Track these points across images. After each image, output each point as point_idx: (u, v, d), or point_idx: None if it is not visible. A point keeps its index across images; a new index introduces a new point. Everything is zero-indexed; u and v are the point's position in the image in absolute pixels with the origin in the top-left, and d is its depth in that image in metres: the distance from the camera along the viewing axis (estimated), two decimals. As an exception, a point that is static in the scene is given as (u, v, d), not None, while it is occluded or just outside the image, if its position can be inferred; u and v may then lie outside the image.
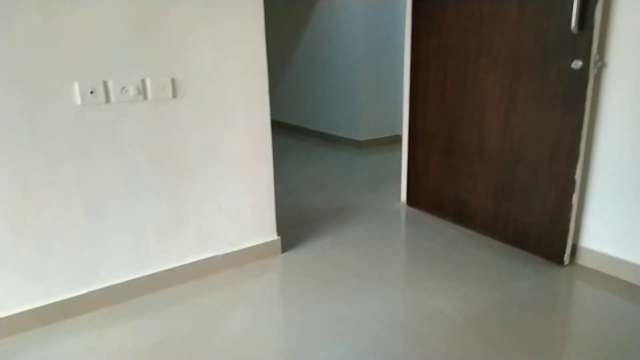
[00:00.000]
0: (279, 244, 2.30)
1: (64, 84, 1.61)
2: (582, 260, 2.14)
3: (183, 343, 1.63)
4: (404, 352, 1.56)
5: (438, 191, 2.73)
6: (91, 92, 1.66)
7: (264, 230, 2.25)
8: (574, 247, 2.15)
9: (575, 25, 1.87)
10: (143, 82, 1.77)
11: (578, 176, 2.01)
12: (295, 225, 2.69)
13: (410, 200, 2.94)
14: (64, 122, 1.64)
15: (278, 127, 5.90)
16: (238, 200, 2.12)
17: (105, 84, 1.70)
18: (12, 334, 1.66)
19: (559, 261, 2.14)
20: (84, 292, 1.79)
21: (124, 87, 1.74)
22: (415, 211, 2.89)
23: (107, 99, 1.71)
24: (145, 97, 1.79)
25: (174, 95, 1.85)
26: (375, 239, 2.48)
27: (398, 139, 4.85)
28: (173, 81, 1.83)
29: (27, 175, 1.60)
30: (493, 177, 2.38)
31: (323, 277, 2.08)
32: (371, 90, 4.69)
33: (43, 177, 1.63)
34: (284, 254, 2.32)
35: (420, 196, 2.86)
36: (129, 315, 1.79)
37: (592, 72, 1.90)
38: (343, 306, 1.84)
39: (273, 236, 2.29)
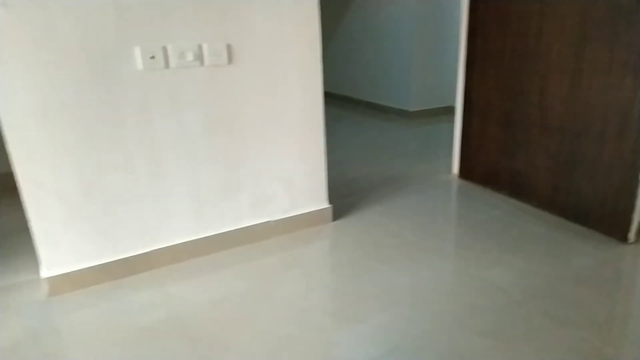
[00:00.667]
0: (330, 212, 2.32)
1: (127, 49, 1.66)
2: (648, 238, 2.04)
3: (240, 303, 1.69)
4: (458, 322, 1.55)
5: (493, 163, 2.65)
6: (152, 58, 1.70)
7: (315, 197, 2.27)
8: (641, 224, 2.04)
9: (658, -16, 1.72)
10: (200, 47, 1.79)
11: (650, 149, 1.89)
12: (345, 194, 2.69)
13: (463, 173, 2.87)
14: (127, 87, 1.69)
15: (325, 97, 5.86)
16: (290, 167, 2.14)
17: (164, 49, 1.73)
18: (84, 287, 1.77)
19: (623, 238, 2.04)
20: (147, 250, 1.88)
21: (182, 53, 1.76)
22: (467, 183, 2.82)
23: (167, 64, 1.74)
24: (202, 63, 1.81)
25: (229, 61, 1.86)
26: (427, 211, 2.45)
27: (449, 110, 4.72)
28: (228, 47, 1.84)
29: (94, 137, 1.67)
30: (554, 150, 2.28)
31: (374, 245, 2.09)
32: (423, 59, 4.55)
33: (108, 140, 1.70)
34: (335, 222, 2.34)
35: (474, 168, 2.79)
36: (189, 274, 1.88)
37: (674, 36, 1.75)
38: (395, 275, 1.85)
39: (324, 204, 2.30)
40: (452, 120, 3.41)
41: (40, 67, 1.53)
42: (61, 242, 1.71)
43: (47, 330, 1.55)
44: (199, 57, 1.80)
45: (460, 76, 2.77)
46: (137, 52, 1.67)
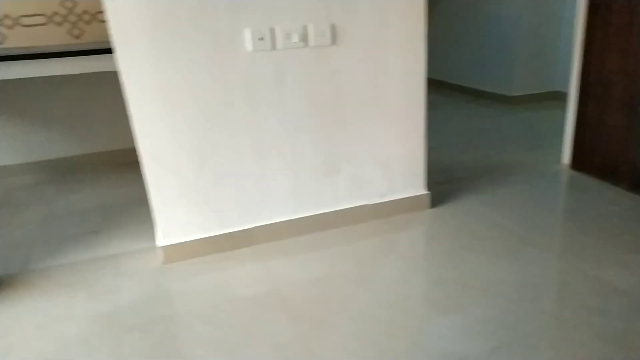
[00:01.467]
0: (427, 199, 2.25)
1: (238, 30, 1.71)
2: None
3: (339, 284, 1.70)
4: (574, 324, 1.43)
5: (613, 154, 2.40)
6: (260, 39, 1.74)
7: (413, 183, 2.21)
8: None
9: None
10: (305, 28, 1.80)
11: None
12: (442, 181, 2.60)
13: (576, 163, 2.64)
14: (237, 67, 1.75)
15: (419, 81, 5.68)
16: (389, 151, 2.10)
17: (272, 30, 1.76)
18: (193, 257, 1.90)
19: None
20: (250, 226, 1.96)
21: (288, 34, 1.79)
22: (580, 175, 2.59)
23: (273, 46, 1.78)
24: (306, 44, 1.82)
25: (333, 41, 1.85)
26: (533, 202, 2.29)
27: (556, 95, 4.35)
28: (332, 27, 1.83)
29: (206, 115, 1.76)
30: (692, 140, 2.00)
31: (474, 236, 2.00)
32: (529, 41, 4.23)
33: (219, 117, 1.78)
34: (432, 209, 2.27)
35: (589, 158, 2.55)
36: (288, 251, 1.93)
37: None
38: (499, 268, 1.75)
39: (422, 190, 2.24)
40: (559, 107, 3.15)
41: (161, 49, 1.63)
42: (175, 214, 1.83)
43: (162, 295, 1.68)
44: (304, 37, 1.81)
45: (575, 56, 2.53)
46: (247, 33, 1.72)
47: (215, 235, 1.91)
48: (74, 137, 3.00)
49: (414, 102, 2.07)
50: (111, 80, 2.95)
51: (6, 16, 2.64)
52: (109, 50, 2.43)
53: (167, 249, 1.85)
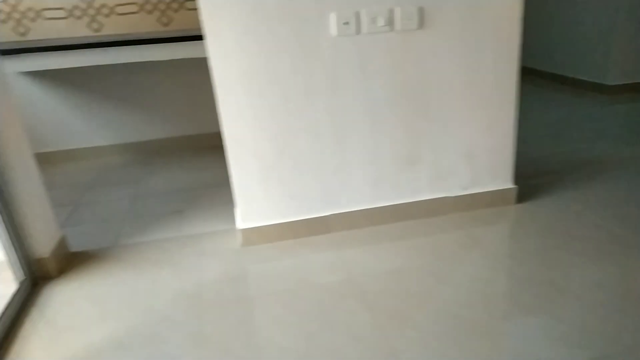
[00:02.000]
0: (514, 193, 2.11)
1: (323, 15, 1.68)
2: None
3: (418, 277, 1.64)
4: (686, 339, 1.28)
5: None
6: (345, 23, 1.70)
7: (499, 176, 2.08)
8: None
9: None
10: (391, 12, 1.73)
11: None
12: (530, 175, 2.43)
13: (687, 160, 2.36)
14: (321, 53, 1.72)
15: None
16: (474, 141, 1.99)
17: (357, 15, 1.71)
18: (270, 241, 1.92)
19: None
20: (327, 214, 1.94)
21: (374, 18, 1.73)
22: (693, 173, 2.31)
23: (358, 30, 1.73)
24: (392, 28, 1.75)
25: (420, 25, 1.77)
26: (634, 201, 2.07)
27: (663, 84, 3.92)
28: (420, 10, 1.75)
29: (289, 101, 1.76)
30: None
31: (568, 235, 1.84)
32: (629, 24, 3.83)
33: (300, 104, 1.77)
34: (519, 204, 2.12)
35: None
36: (365, 241, 1.89)
37: None
38: (595, 271, 1.60)
39: (508, 184, 2.10)
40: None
41: (248, 36, 1.64)
42: (255, 199, 1.86)
43: (240, 276, 1.72)
44: (390, 21, 1.74)
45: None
46: (332, 18, 1.69)
47: (293, 221, 1.92)
48: (161, 121, 3.15)
49: (505, 89, 1.93)
50: (196, 66, 3.05)
51: (103, 5, 2.81)
52: (195, 38, 2.52)
53: (246, 231, 1.88)
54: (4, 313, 1.48)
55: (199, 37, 2.53)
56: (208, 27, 1.61)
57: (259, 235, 1.90)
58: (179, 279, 1.71)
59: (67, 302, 1.61)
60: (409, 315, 1.46)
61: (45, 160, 3.04)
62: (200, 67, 3.05)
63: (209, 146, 3.21)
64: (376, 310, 1.49)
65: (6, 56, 2.47)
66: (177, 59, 2.90)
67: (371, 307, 1.50)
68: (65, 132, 3.05)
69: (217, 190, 2.49)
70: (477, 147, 2.00)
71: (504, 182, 2.09)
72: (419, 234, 1.93)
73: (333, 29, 1.70)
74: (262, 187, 1.85)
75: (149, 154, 3.17)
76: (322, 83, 1.76)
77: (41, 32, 2.81)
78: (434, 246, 1.83)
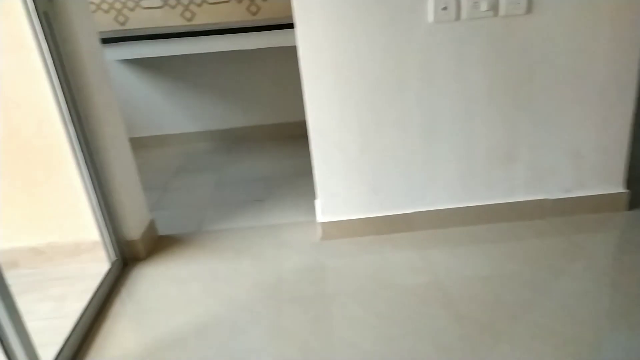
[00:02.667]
0: (625, 199, 1.87)
1: (419, 0, 1.57)
2: None
3: (511, 286, 1.50)
4: None
5: None
6: (444, 9, 1.57)
7: (608, 178, 1.85)
8: None
9: None
10: (494, -5, 1.58)
11: None
12: (644, 178, 2.15)
13: None
14: (415, 41, 1.61)
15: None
16: (581, 139, 1.78)
17: (456, -1, 1.58)
18: (350, 236, 1.86)
19: None
20: (411, 211, 1.84)
21: (475, 2, 1.58)
22: None
23: (457, 16, 1.59)
24: (496, 13, 1.60)
25: (528, 10, 1.59)
26: None
27: None
28: (528, -7, 1.58)
29: (377, 91, 1.67)
30: None
31: (694, 250, 1.60)
32: None
33: (389, 95, 1.68)
34: (631, 211, 1.88)
35: None
36: (451, 242, 1.77)
37: None
38: None
39: (619, 188, 1.87)
40: None
41: (338, 22, 1.57)
42: (337, 192, 1.80)
43: (320, 271, 1.68)
44: (494, 6, 1.59)
45: None
46: (429, 3, 1.57)
47: (375, 217, 1.84)
48: (245, 109, 3.20)
49: (622, 81, 1.70)
50: (282, 55, 3.05)
51: (195, -5, 2.89)
52: (282, 26, 2.50)
53: (326, 225, 1.84)
54: (97, 291, 1.56)
55: (286, 26, 2.51)
56: (298, 15, 1.57)
57: (339, 230, 1.85)
58: (259, 269, 1.71)
59: (154, 284, 1.67)
60: (502, 328, 1.33)
61: (137, 145, 3.21)
62: (285, 56, 3.04)
63: (291, 135, 3.21)
64: (464, 319, 1.38)
65: (106, 45, 2.61)
66: (263, 48, 2.90)
67: (459, 316, 1.39)
68: (156, 118, 3.19)
69: (298, 180, 2.47)
70: (585, 145, 1.79)
71: (614, 185, 1.86)
72: (512, 237, 1.77)
73: (430, 15, 1.58)
74: (344, 180, 1.79)
75: (233, 141, 3.24)
76: (414, 73, 1.65)
77: (139, 21, 2.95)
78: (529, 252, 1.67)
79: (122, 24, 2.97)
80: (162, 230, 2.04)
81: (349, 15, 1.57)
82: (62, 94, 1.55)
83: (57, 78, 1.53)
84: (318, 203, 1.84)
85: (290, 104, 3.17)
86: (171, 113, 3.19)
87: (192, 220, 2.13)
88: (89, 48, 1.63)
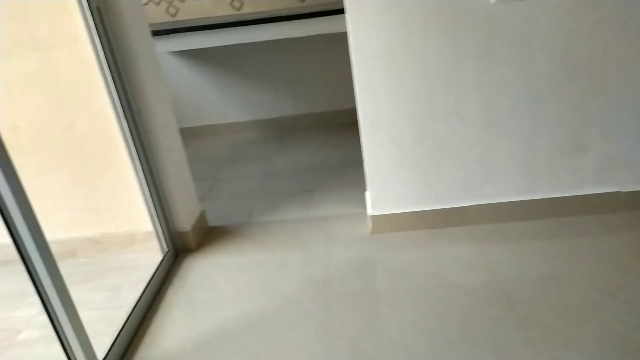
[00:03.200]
0: None
1: (478, -22, 1.46)
2: None
3: (577, 286, 1.39)
4: None
5: None
6: (509, -15, 1.45)
7: (693, 169, 1.67)
8: None
9: None
10: (562, -30, 1.43)
11: None
12: None
13: None
14: (474, 23, 1.50)
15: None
16: (662, 126, 1.61)
17: (521, -26, 1.45)
18: (402, 230, 1.79)
19: None
20: (467, 204, 1.74)
21: (542, -22, 1.45)
22: None
23: (522, -6, 1.47)
24: (564, -11, 1.46)
25: (602, -16, 1.44)
26: None
27: None
28: (602, -35, 1.42)
29: (432, 79, 1.57)
30: None
31: None
32: None
33: (445, 82, 1.58)
34: None
35: None
36: (511, 238, 1.66)
37: None
38: None
39: None
40: None
41: (391, 5, 1.49)
42: (388, 184, 1.73)
43: (370, 266, 1.62)
44: (563, -20, 1.45)
45: None
46: (489, -20, 1.45)
47: (428, 210, 1.76)
48: (293, 98, 3.17)
49: None
50: (329, 42, 2.98)
51: (242, -16, 2.86)
52: (329, 13, 2.43)
53: (376, 218, 1.78)
54: (150, 282, 1.59)
55: (334, 12, 2.44)
56: (348, 1, 1.49)
57: (390, 223, 1.78)
58: (307, 263, 1.68)
59: (204, 276, 1.68)
60: (569, 334, 1.23)
61: (189, 135, 3.27)
62: (333, 43, 2.97)
63: (340, 124, 3.15)
64: (527, 322, 1.28)
65: (158, 37, 2.64)
66: (311, 35, 2.85)
67: (521, 319, 1.30)
68: (206, 108, 3.22)
69: (347, 170, 2.42)
70: (665, 133, 1.62)
71: (700, 177, 1.68)
72: (580, 233, 1.64)
73: (489, -6, 1.47)
74: (397, 172, 1.71)
75: (281, 130, 3.22)
76: (473, 58, 1.54)
77: (189, 12, 2.97)
78: (598, 250, 1.54)
79: (173, 15, 3.00)
80: (212, 220, 2.06)
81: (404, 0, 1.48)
82: (114, 88, 1.57)
83: (110, 72, 1.55)
84: (368, 195, 1.78)
85: (338, 91, 3.10)
86: (221, 103, 3.21)
87: (241, 211, 2.13)
88: (141, 42, 1.64)
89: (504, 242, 1.65)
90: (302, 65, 3.07)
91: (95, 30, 1.51)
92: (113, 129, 1.66)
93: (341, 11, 2.38)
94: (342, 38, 2.91)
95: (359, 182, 2.22)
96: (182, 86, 3.16)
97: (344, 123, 3.14)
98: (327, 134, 3.03)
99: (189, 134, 3.27)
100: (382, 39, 1.53)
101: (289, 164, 2.62)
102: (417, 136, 1.66)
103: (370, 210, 1.79)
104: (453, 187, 1.73)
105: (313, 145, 2.86)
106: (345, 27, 2.43)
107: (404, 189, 1.74)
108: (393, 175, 1.72)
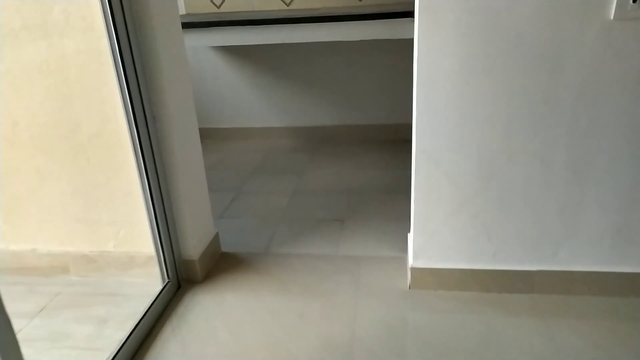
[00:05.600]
0: None
1: (590, -11, 1.12)
2: None
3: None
4: None
5: None
6: (635, 1, 1.11)
7: None
8: None
9: None
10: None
11: None
12: None
13: None
14: (582, 43, 1.15)
15: None
16: None
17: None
18: (448, 289, 1.46)
19: None
20: (534, 268, 1.41)
21: (673, -7, 1.10)
22: None
23: (643, 12, 1.12)
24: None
25: None
26: None
27: None
28: None
29: (514, 110, 1.24)
30: None
31: None
32: None
33: (530, 117, 1.25)
34: None
35: None
36: (584, 315, 1.32)
37: None
38: None
39: None
40: None
41: (476, 13, 1.17)
42: (439, 232, 1.42)
43: (406, 331, 1.31)
44: (702, -1, 1.09)
45: None
46: (609, -8, 1.11)
47: (484, 270, 1.43)
48: (333, 106, 2.87)
49: None
50: (382, 49, 2.67)
51: (292, -23, 2.60)
52: (390, 16, 2.12)
53: (418, 271, 1.46)
54: (142, 320, 1.34)
55: (393, 15, 2.12)
56: (421, 2, 1.19)
57: (434, 279, 1.46)
58: (329, 317, 1.38)
59: (206, 320, 1.41)
60: None
61: (218, 136, 3.03)
62: (386, 50, 2.66)
63: (384, 140, 2.83)
64: None
65: (196, 29, 2.40)
66: (366, 40, 2.55)
67: None
68: (240, 109, 2.98)
69: (388, 199, 2.10)
70: None
71: None
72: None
73: (610, 10, 1.12)
74: (451, 219, 1.39)
75: (317, 141, 2.93)
76: (572, 89, 1.20)
77: (235, 3, 2.73)
78: None
79: (218, 6, 2.77)
80: (227, 245, 1.79)
81: (492, 5, 1.16)
82: (129, 88, 1.32)
83: (125, 70, 1.30)
84: (411, 240, 1.47)
85: (385, 103, 2.79)
86: (256, 105, 2.95)
87: (260, 236, 1.86)
88: (168, 36, 1.39)
89: (576, 320, 1.31)
90: (349, 71, 2.77)
91: (111, 19, 1.26)
92: (123, 135, 1.42)
93: (403, 14, 2.07)
94: (398, 45, 2.60)
95: (401, 216, 1.91)
96: (218, 83, 2.93)
97: (388, 139, 2.82)
98: (368, 150, 2.72)
99: (218, 136, 3.03)
100: (457, 53, 1.21)
101: (321, 183, 2.33)
102: (483, 179, 1.33)
103: (411, 260, 1.48)
104: (520, 246, 1.39)
105: (350, 163, 2.56)
106: (405, 33, 2.12)
107: (457, 240, 1.42)
108: (446, 222, 1.40)
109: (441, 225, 1.41)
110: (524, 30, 1.17)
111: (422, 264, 1.46)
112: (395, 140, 2.79)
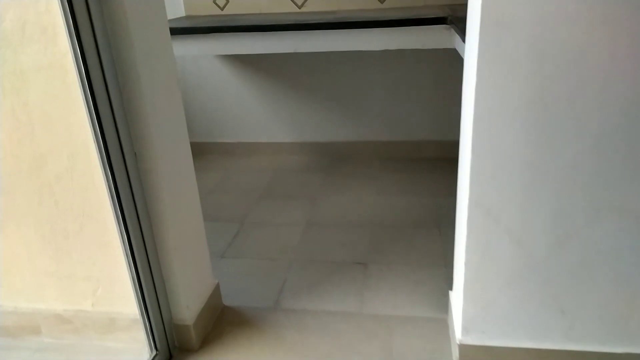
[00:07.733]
0: None
1: None
2: None
3: None
4: None
5: None
6: None
7: None
8: None
9: None
10: None
11: None
12: None
13: None
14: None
15: None
16: None
17: None
18: (507, 373, 1.17)
19: None
20: (619, 350, 1.10)
21: None
22: None
23: None
24: None
25: None
26: None
27: None
28: None
29: (599, 156, 0.95)
30: None
31: None
32: None
33: (620, 165, 0.95)
34: None
35: None
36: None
37: None
38: None
39: None
40: None
41: (566, 23, 0.88)
42: (496, 302, 1.12)
43: None
44: None
45: None
46: None
47: (554, 350, 1.13)
48: (350, 120, 2.57)
49: None
50: (406, 58, 2.36)
51: (306, -25, 2.30)
52: (418, 22, 1.82)
53: (471, 349, 1.16)
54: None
55: (423, 22, 1.81)
56: (485, 7, 0.89)
57: (490, 358, 1.17)
58: (357, 410, 1.09)
59: (202, 405, 1.13)
60: None
61: (222, 151, 2.74)
62: (411, 59, 2.35)
63: (408, 158, 2.51)
64: None
65: (196, 35, 2.10)
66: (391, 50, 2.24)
67: None
68: (246, 122, 2.68)
69: (418, 234, 1.80)
70: None
71: None
72: None
73: None
74: (513, 287, 1.09)
75: (333, 158, 2.63)
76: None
77: (240, 4, 2.44)
78: None
79: (222, 8, 2.48)
80: (229, 293, 1.50)
81: (584, 13, 0.85)
82: (101, 117, 1.03)
83: (92, 94, 1.02)
84: (458, 305, 1.17)
85: (409, 118, 2.48)
86: (264, 118, 2.66)
87: (269, 284, 1.56)
88: (151, 52, 1.09)
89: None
90: (368, 80, 2.47)
91: (74, 30, 0.97)
92: (96, 175, 1.13)
93: (436, 21, 1.76)
94: (424, 53, 2.29)
95: (434, 260, 1.62)
96: (220, 93, 2.63)
97: (412, 158, 2.51)
98: (391, 171, 2.41)
99: (222, 151, 2.74)
100: (532, 82, 0.91)
101: (338, 212, 2.03)
102: (556, 239, 1.03)
103: (459, 334, 1.18)
104: (602, 322, 1.09)
105: (371, 186, 2.25)
106: (439, 43, 1.82)
107: (520, 312, 1.12)
108: (507, 291, 1.10)
109: (500, 294, 1.11)
110: (627, 52, 0.87)
111: (474, 339, 1.16)
112: (419, 159, 2.49)
